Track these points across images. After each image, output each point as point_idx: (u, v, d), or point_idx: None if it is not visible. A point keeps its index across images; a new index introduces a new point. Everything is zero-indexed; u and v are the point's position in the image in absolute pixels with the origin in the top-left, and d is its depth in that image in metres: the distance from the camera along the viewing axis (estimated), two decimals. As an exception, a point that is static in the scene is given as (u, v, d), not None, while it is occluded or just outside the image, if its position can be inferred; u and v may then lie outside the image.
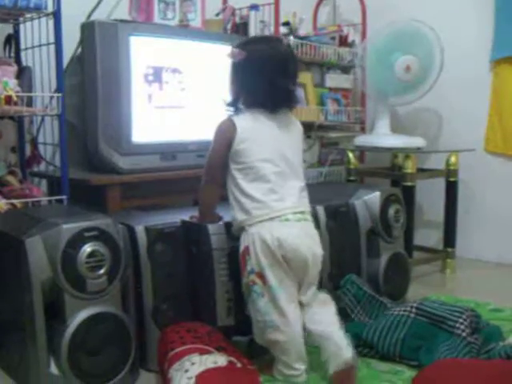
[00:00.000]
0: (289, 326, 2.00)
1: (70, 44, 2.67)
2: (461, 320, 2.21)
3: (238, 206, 2.05)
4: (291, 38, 3.42)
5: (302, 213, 2.05)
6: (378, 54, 3.41)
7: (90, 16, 2.80)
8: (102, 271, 1.92)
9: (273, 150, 2.05)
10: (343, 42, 3.85)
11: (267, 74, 2.02)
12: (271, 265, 1.98)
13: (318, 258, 2.07)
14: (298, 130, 2.19)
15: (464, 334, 2.18)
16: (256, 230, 2.00)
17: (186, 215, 2.30)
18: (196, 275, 2.22)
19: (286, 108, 2.11)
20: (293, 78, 2.10)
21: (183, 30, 2.87)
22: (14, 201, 2.32)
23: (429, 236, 3.86)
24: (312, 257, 2.03)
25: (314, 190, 2.27)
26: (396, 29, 3.42)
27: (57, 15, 2.31)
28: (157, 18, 2.81)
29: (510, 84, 3.68)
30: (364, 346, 2.26)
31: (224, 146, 2.08)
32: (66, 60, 2.56)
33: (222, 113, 2.76)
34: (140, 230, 2.13)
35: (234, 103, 2.13)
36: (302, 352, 2.02)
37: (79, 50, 2.74)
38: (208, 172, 2.15)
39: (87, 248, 1.90)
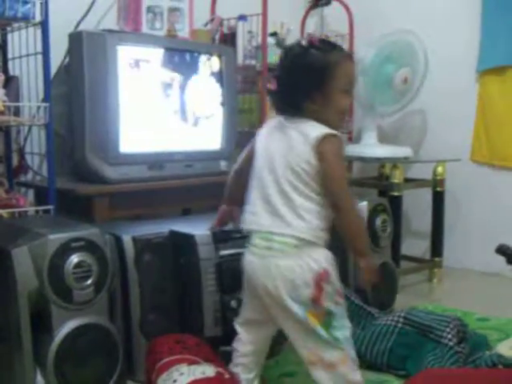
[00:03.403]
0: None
1: (58, 54, 2.66)
2: (448, 329, 2.22)
3: None
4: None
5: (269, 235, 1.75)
6: (368, 66, 3.43)
7: (77, 26, 2.80)
8: (88, 282, 1.91)
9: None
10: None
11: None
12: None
13: (275, 299, 1.74)
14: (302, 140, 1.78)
15: (451, 344, 2.19)
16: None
17: (175, 225, 2.30)
18: (184, 285, 2.22)
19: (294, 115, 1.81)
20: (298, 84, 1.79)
21: (171, 40, 2.87)
22: (1, 211, 2.30)
23: (416, 246, 3.87)
24: (266, 294, 1.76)
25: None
26: (387, 41, 3.44)
27: (44, 25, 2.31)
28: (145, 28, 2.83)
29: (496, 94, 3.72)
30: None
31: None
32: (53, 69, 2.55)
33: (210, 123, 2.77)
34: (127, 240, 2.13)
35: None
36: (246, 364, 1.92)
37: (67, 59, 2.74)
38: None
39: (74, 258, 1.89)
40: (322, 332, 1.71)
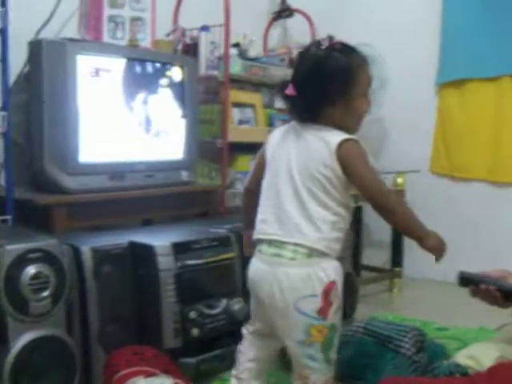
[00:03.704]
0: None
1: (17, 62, 2.63)
2: (406, 339, 2.24)
3: None
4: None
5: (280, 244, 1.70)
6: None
7: (38, 34, 2.77)
8: (45, 293, 1.89)
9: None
10: (293, 63, 3.88)
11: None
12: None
13: (280, 308, 1.69)
14: (323, 145, 1.70)
15: (409, 353, 2.21)
16: None
17: (134, 236, 2.28)
18: (143, 297, 2.20)
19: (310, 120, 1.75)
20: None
21: (132, 49, 2.86)
22: (-43, 221, 2.27)
23: (377, 256, 3.91)
24: (270, 302, 1.71)
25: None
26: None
27: (4, 32, 2.28)
28: (106, 38, 2.81)
29: (455, 107, 3.79)
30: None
31: None
32: (12, 78, 2.52)
33: (172, 133, 2.76)
34: (86, 250, 2.11)
35: None
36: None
37: (26, 68, 2.71)
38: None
39: (31, 270, 1.86)
40: (318, 355, 1.68)
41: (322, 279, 1.65)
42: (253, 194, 1.86)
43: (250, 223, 1.87)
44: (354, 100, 1.71)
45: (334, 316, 1.68)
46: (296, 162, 1.71)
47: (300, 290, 1.65)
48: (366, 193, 1.69)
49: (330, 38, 1.74)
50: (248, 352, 1.84)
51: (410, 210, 1.78)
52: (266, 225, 1.74)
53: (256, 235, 1.77)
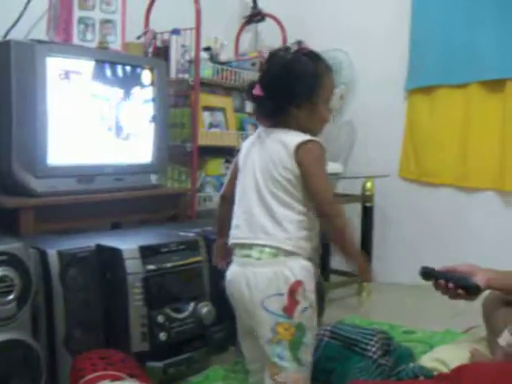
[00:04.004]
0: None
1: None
2: (372, 342, 2.26)
3: None
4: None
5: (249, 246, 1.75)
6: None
7: (6, 35, 2.75)
8: (11, 297, 1.87)
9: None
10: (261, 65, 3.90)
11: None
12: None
13: (248, 307, 1.74)
14: (281, 148, 1.75)
15: (375, 356, 2.22)
16: None
17: (102, 239, 2.27)
18: (110, 300, 2.20)
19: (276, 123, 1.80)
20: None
21: (102, 52, 2.84)
22: None
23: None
24: (240, 300, 1.77)
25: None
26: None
27: (-29, 33, 2.26)
28: (76, 40, 2.79)
29: (423, 113, 3.84)
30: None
31: None
32: (-21, 79, 2.50)
33: (141, 136, 2.75)
34: (52, 254, 2.09)
35: None
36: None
37: (-6, 69, 2.69)
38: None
39: (-4, 273, 1.85)
40: (286, 353, 1.70)
41: (288, 278, 1.68)
42: (227, 202, 1.91)
43: (223, 232, 1.92)
44: (318, 104, 1.77)
45: (302, 315, 1.70)
46: (259, 166, 1.78)
47: (266, 289, 1.69)
48: (313, 193, 1.73)
49: (299, 42, 1.81)
50: (246, 356, 1.90)
51: (349, 225, 1.82)
52: (238, 230, 1.79)
53: (231, 240, 1.82)
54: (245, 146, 1.90)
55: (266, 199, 1.73)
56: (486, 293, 2.06)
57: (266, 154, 1.77)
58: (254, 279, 1.70)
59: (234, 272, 1.78)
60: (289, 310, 1.68)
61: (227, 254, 1.88)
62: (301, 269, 1.71)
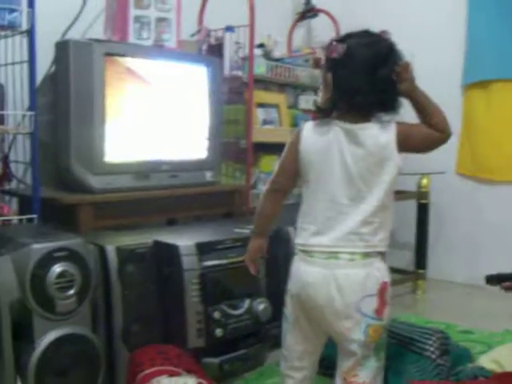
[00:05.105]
0: (288, 367, 1.79)
1: (44, 62, 2.65)
2: (430, 342, 2.23)
3: None
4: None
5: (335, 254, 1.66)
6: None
7: (64, 34, 2.80)
8: (71, 292, 1.91)
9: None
10: (317, 64, 3.88)
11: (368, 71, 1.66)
12: (291, 296, 1.75)
13: (340, 310, 1.64)
14: (375, 145, 1.67)
15: (433, 356, 2.19)
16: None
17: (159, 235, 2.29)
18: (167, 296, 2.22)
19: (380, 112, 1.72)
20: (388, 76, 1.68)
21: (158, 50, 2.87)
22: (-16, 219, 2.29)
23: (400, 257, 3.89)
24: (327, 303, 1.65)
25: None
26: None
27: (31, 33, 2.30)
28: (132, 38, 2.81)
29: (480, 108, 3.76)
30: (333, 368, 2.25)
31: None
32: (39, 78, 2.55)
33: (196, 133, 2.76)
34: (111, 250, 2.13)
35: (330, 108, 1.71)
36: None
37: (53, 68, 2.74)
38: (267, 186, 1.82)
39: (57, 268, 1.88)
40: (372, 355, 1.66)
41: (378, 279, 1.65)
42: (280, 197, 1.81)
43: (265, 231, 1.85)
44: None
45: (387, 316, 1.68)
46: (354, 164, 1.65)
47: (360, 291, 1.63)
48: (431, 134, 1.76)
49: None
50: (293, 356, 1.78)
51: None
52: (321, 236, 1.67)
53: (311, 247, 1.68)
54: (312, 138, 1.71)
55: (367, 201, 1.66)
56: None
57: (362, 149, 1.66)
58: (347, 281, 1.62)
59: (315, 274, 1.65)
60: (379, 312, 1.65)
61: (259, 256, 1.85)
62: (385, 269, 1.68)
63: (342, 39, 1.72)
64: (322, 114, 1.72)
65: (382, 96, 1.67)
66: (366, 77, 1.65)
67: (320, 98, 1.75)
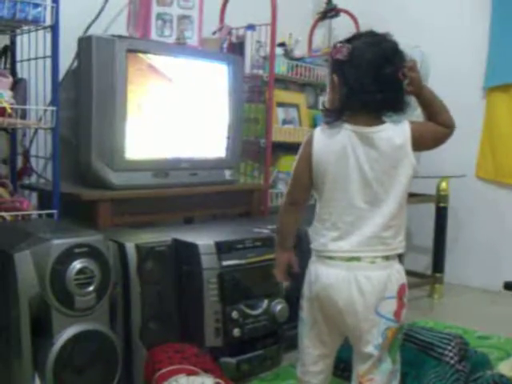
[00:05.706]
0: (304, 372, 1.78)
1: (66, 57, 2.66)
2: (449, 347, 2.21)
3: None
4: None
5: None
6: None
7: (87, 30, 2.80)
8: (90, 288, 1.90)
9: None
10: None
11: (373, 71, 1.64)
12: (308, 299, 1.74)
13: (360, 312, 1.63)
14: (390, 147, 1.65)
15: (452, 362, 2.17)
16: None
17: (178, 234, 2.29)
18: (185, 295, 2.21)
19: (390, 113, 1.70)
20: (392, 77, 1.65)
21: (180, 47, 2.87)
22: (4, 214, 2.29)
23: (418, 261, 3.86)
24: (347, 305, 1.63)
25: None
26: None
27: (55, 28, 2.30)
28: (154, 35, 2.82)
29: (503, 111, 3.72)
30: (349, 371, 2.24)
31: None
32: (61, 73, 2.55)
33: (216, 131, 2.75)
34: (130, 247, 2.12)
35: (339, 109, 1.68)
36: None
37: (75, 63, 2.74)
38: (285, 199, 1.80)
39: (77, 264, 1.88)
40: (388, 356, 1.66)
41: (398, 281, 1.64)
42: (299, 210, 1.77)
43: (288, 244, 1.81)
44: None
45: (404, 318, 1.68)
46: (370, 168, 1.64)
47: (381, 292, 1.62)
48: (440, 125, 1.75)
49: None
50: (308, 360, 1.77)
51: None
52: (342, 241, 1.65)
53: (331, 253, 1.66)
54: (325, 143, 1.68)
55: (387, 204, 1.64)
56: None
57: (376, 153, 1.64)
58: (369, 283, 1.61)
59: (336, 276, 1.64)
60: (398, 314, 1.64)
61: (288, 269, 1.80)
62: (403, 271, 1.68)
63: (347, 40, 1.71)
64: (332, 115, 1.69)
65: (390, 95, 1.65)
66: (371, 76, 1.63)
67: (327, 100, 1.75)
